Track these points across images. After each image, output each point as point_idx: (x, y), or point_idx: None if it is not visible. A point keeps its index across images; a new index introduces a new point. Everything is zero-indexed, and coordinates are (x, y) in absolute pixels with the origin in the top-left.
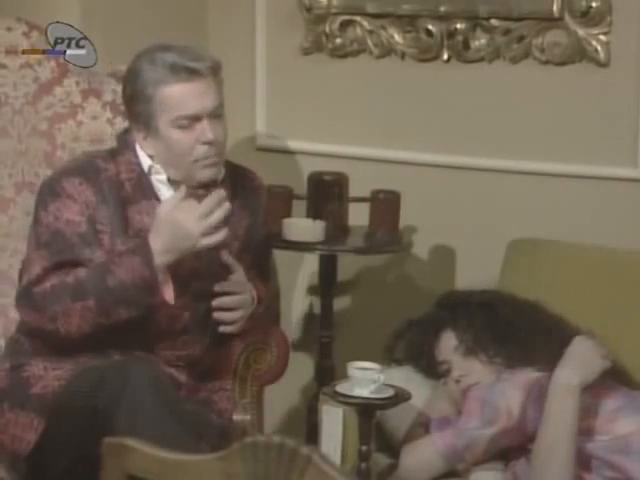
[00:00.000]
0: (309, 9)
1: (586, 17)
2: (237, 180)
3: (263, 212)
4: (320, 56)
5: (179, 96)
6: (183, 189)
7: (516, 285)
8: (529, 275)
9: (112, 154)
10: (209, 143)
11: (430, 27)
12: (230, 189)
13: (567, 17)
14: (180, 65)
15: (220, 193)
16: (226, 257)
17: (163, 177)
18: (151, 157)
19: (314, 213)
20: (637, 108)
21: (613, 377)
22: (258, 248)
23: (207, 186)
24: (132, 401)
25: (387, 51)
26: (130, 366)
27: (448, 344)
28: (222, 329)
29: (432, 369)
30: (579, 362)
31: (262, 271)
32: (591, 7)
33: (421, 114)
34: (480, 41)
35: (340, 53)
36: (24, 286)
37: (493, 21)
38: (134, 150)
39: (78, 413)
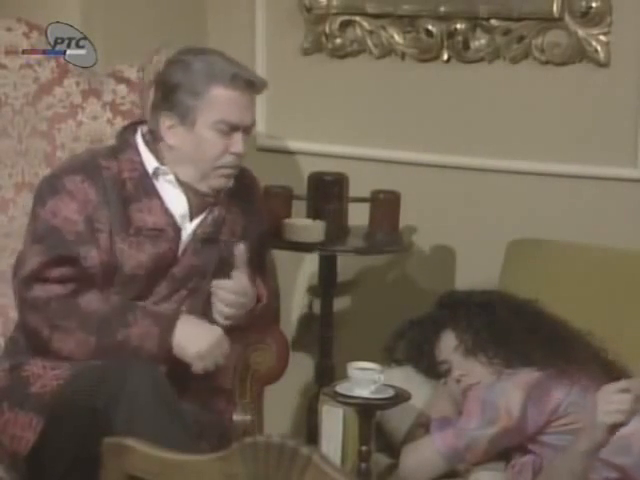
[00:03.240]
0: (309, 9)
1: (586, 17)
2: (235, 179)
3: (258, 210)
4: (320, 56)
5: (230, 102)
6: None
7: (516, 285)
8: (529, 275)
9: (114, 152)
10: (237, 155)
11: (430, 27)
12: (229, 189)
13: (567, 17)
14: (241, 75)
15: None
16: (239, 252)
17: (171, 177)
18: (170, 148)
19: (314, 213)
20: (637, 108)
21: (613, 378)
22: (254, 246)
23: (214, 194)
24: (131, 401)
25: (387, 51)
26: (129, 366)
27: (448, 344)
28: (215, 317)
29: (432, 369)
30: (597, 436)
31: (259, 269)
32: (591, 7)
33: (421, 114)
34: (480, 41)
35: (340, 53)
36: (24, 278)
37: (493, 21)
38: (136, 149)
39: (77, 412)
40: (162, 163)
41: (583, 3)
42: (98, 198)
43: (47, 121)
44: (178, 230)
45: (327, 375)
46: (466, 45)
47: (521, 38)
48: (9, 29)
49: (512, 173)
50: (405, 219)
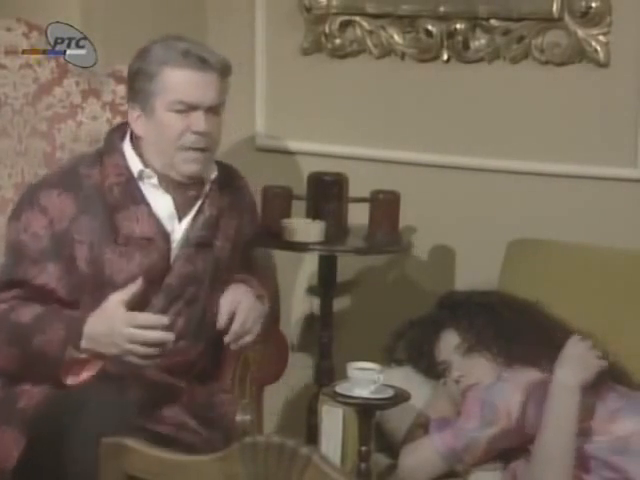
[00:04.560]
0: (309, 9)
1: (586, 17)
2: (225, 180)
3: (250, 211)
4: (320, 56)
5: (183, 81)
6: (139, 283)
7: (516, 285)
8: (529, 275)
9: (99, 156)
10: (200, 134)
11: (430, 27)
12: (219, 189)
13: (567, 17)
14: (192, 52)
15: (163, 320)
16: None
17: (155, 181)
18: (139, 138)
19: (314, 213)
20: (637, 108)
21: (613, 377)
22: (247, 247)
23: (193, 183)
24: (96, 430)
25: (387, 51)
26: (98, 394)
27: (448, 344)
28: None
29: (432, 369)
30: (576, 362)
31: (252, 269)
32: (591, 7)
33: (421, 114)
34: (480, 41)
35: (340, 53)
36: None
37: (493, 21)
38: (121, 152)
39: (51, 434)
40: (146, 164)
41: (583, 3)
42: (77, 209)
43: (47, 121)
44: (167, 237)
45: (327, 375)
46: (466, 45)
47: (521, 38)
48: (9, 29)
49: (512, 173)
50: (405, 219)
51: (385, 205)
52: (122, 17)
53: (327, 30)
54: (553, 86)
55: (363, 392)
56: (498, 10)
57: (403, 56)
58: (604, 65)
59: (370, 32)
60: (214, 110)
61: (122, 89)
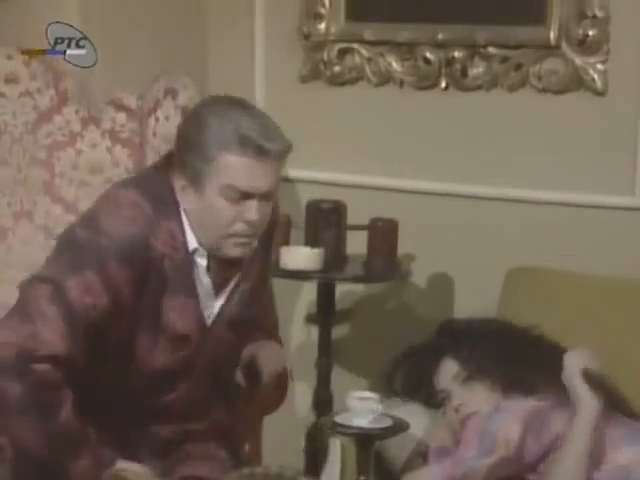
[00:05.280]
0: (307, 37)
1: (583, 45)
2: (263, 242)
3: (271, 249)
4: (318, 84)
5: (239, 169)
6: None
7: (515, 314)
8: (528, 303)
9: (155, 215)
10: (251, 223)
11: (428, 55)
12: (256, 256)
13: (564, 45)
14: (252, 140)
15: None
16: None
17: (204, 262)
18: (184, 211)
19: (312, 241)
20: (634, 137)
21: (613, 406)
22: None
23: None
24: None
25: (385, 79)
26: None
27: (448, 372)
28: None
29: (431, 398)
30: (586, 382)
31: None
32: (588, 35)
33: (419, 142)
34: (478, 69)
35: (338, 81)
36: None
37: (491, 49)
38: (179, 219)
39: None
40: (200, 240)
41: (580, 31)
42: (134, 288)
43: (46, 149)
44: (205, 332)
45: (325, 404)
46: (464, 73)
47: (519, 66)
48: (9, 57)
49: (510, 201)
50: (403, 247)
51: (383, 233)
52: (121, 45)
53: (326, 57)
54: (551, 114)
55: (362, 422)
56: (496, 38)
57: (401, 84)
58: (601, 93)
59: (369, 59)
60: (267, 197)
61: (122, 117)
